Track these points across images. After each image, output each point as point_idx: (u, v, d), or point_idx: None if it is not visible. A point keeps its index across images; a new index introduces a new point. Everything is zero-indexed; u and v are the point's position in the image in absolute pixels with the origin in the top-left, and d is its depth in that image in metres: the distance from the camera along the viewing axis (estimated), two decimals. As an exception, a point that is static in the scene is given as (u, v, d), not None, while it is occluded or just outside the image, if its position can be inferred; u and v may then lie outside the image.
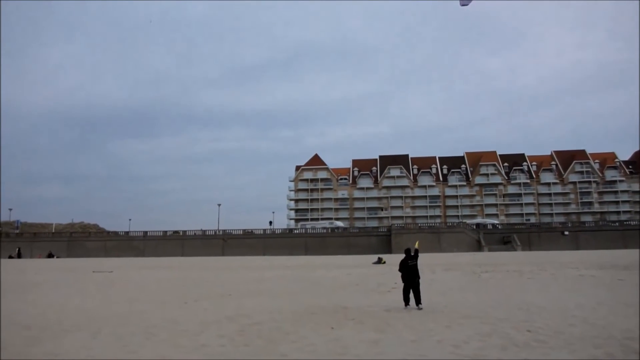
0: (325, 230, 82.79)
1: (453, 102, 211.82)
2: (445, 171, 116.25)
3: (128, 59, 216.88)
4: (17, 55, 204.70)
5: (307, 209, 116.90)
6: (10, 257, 70.03)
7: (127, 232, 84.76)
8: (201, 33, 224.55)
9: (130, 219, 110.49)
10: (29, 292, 19.13)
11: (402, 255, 13.28)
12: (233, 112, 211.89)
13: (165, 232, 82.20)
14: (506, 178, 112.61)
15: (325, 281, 22.45)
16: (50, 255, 71.73)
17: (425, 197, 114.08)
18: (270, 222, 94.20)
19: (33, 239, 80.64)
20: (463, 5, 12.49)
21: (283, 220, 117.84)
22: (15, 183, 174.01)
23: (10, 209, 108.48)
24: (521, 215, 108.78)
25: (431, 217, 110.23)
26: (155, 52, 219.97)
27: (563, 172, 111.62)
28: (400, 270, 12.88)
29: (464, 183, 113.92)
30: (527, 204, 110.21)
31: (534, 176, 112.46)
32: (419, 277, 12.65)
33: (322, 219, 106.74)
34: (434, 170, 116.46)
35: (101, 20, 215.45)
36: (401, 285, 13.12)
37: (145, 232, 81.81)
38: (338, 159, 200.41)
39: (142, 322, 11.15)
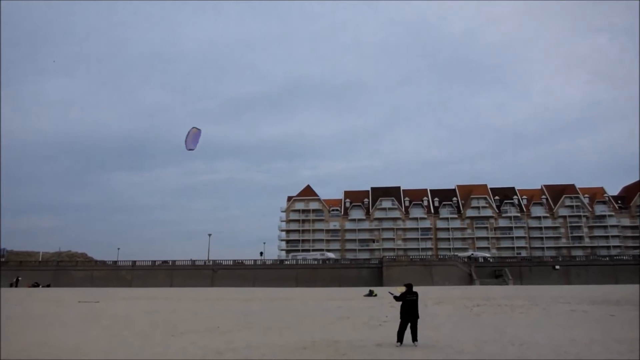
0: (316, 262, 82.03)
1: (444, 137, 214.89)
2: (436, 204, 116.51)
3: (123, 92, 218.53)
4: (13, 85, 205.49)
5: (298, 240, 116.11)
6: (10, 285, 68.80)
7: (115, 262, 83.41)
8: (195, 68, 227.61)
9: (119, 248, 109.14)
10: (10, 325, 18.63)
11: (399, 288, 13.11)
12: (226, 145, 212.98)
13: (154, 262, 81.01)
14: (497, 211, 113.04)
15: (316, 314, 22.12)
16: (35, 285, 70.26)
17: (417, 229, 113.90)
18: (261, 253, 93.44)
19: (19, 267, 79.08)
20: (189, 150, 14.25)
21: (274, 252, 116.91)
22: (3, 212, 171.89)
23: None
24: (512, 248, 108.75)
25: (423, 249, 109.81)
26: (151, 85, 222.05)
27: (553, 206, 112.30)
28: (400, 300, 12.50)
29: (456, 216, 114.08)
30: (518, 238, 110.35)
31: (525, 210, 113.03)
32: (418, 317, 12.35)
33: (314, 250, 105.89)
34: (425, 203, 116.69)
35: (98, 54, 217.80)
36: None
37: (134, 262, 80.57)
38: (330, 191, 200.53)
39: (128, 355, 10.87)
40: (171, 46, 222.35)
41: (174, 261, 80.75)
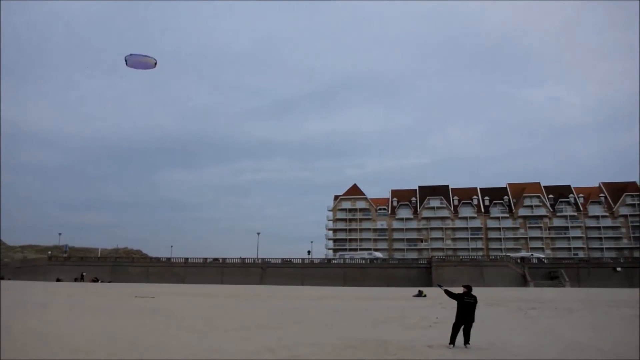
0: (364, 261, 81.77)
1: (494, 133, 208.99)
2: (487, 202, 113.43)
3: (175, 94, 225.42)
4: (68, 88, 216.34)
5: (345, 239, 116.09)
6: (75, 280, 72.72)
7: (168, 259, 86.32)
8: (244, 68, 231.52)
9: (172, 246, 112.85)
10: (79, 317, 19.63)
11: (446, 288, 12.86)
12: (274, 143, 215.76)
13: (206, 259, 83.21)
14: (551, 210, 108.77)
15: (365, 313, 22.07)
16: (94, 280, 73.74)
17: (466, 228, 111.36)
18: (309, 252, 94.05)
19: (79, 263, 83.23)
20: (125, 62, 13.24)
21: (321, 250, 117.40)
22: (65, 209, 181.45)
23: (60, 234, 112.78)
24: (568, 249, 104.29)
25: (473, 249, 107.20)
26: (201, 87, 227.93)
27: (613, 205, 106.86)
28: (454, 297, 12.25)
29: (507, 215, 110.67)
30: (574, 238, 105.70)
31: (582, 209, 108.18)
32: (473, 320, 12.03)
33: (361, 249, 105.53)
34: (475, 202, 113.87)
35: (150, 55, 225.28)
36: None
37: (186, 259, 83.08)
38: (377, 189, 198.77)
39: (183, 351, 11.23)
40: (219, 48, 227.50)
41: (224, 259, 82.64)
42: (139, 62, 13.48)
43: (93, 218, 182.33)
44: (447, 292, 12.61)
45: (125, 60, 13.25)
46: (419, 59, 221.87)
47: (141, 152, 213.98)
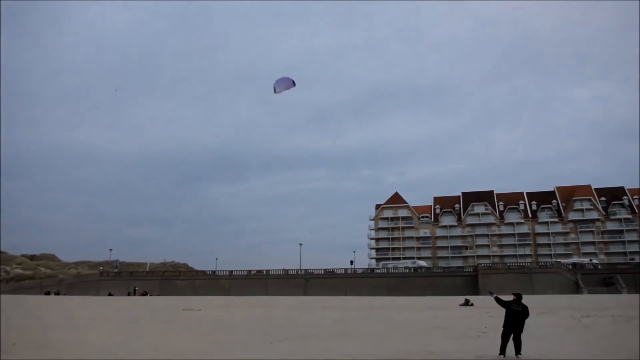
0: (407, 270, 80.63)
1: (539, 135, 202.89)
2: (534, 207, 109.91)
3: (216, 109, 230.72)
4: (119, 107, 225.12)
5: (388, 248, 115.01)
6: (128, 294, 75.04)
7: (213, 272, 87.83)
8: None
9: (217, 258, 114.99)
10: (128, 329, 20.25)
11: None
12: (314, 154, 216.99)
13: (250, 271, 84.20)
14: (604, 213, 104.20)
15: (410, 323, 21.75)
16: (144, 294, 75.86)
17: (513, 235, 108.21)
18: (352, 262, 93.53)
19: (129, 278, 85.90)
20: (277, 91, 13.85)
21: (364, 260, 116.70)
22: (115, 225, 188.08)
23: (111, 249, 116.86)
24: (624, 254, 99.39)
25: (521, 256, 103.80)
26: (240, 100, 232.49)
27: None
28: (504, 305, 11.91)
29: (556, 219, 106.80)
30: (630, 242, 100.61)
31: (637, 211, 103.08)
32: (522, 330, 11.63)
33: (404, 258, 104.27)
34: (521, 207, 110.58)
35: (193, 74, 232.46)
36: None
37: (231, 272, 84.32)
38: (419, 197, 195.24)
39: (230, 362, 11.39)
40: (257, 62, 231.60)
41: (267, 270, 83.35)
42: (284, 84, 14.84)
43: (141, 233, 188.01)
44: (498, 300, 12.31)
45: (274, 88, 14.57)
46: (458, 63, 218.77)
47: (184, 166, 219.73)
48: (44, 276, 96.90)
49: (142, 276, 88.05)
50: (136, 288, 77.00)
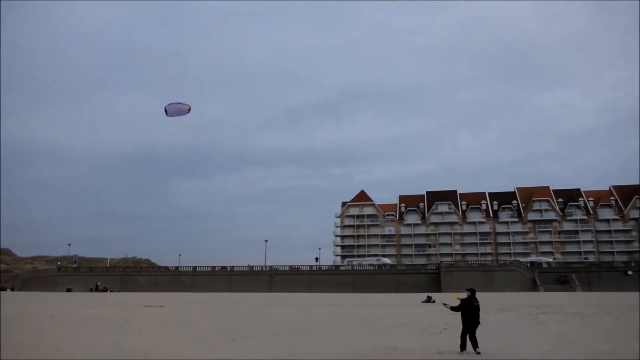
0: (372, 267, 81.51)
1: (503, 138, 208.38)
2: (495, 207, 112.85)
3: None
4: (81, 103, 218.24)
5: (353, 245, 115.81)
6: (90, 290, 72.81)
7: (177, 268, 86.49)
8: (253, 79, 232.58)
9: (180, 255, 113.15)
10: (86, 327, 19.70)
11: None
12: (283, 152, 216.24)
13: (214, 267, 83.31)
14: (561, 214, 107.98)
15: (373, 320, 21.97)
16: (104, 290, 73.97)
17: (475, 233, 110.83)
18: (317, 259, 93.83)
19: (89, 274, 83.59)
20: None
21: (330, 257, 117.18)
22: (75, 221, 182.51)
23: (70, 244, 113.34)
24: (579, 253, 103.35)
25: (482, 254, 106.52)
26: (212, 99, 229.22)
27: (624, 208, 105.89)
28: (460, 309, 12.16)
29: (516, 219, 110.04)
30: (585, 242, 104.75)
31: (592, 212, 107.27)
32: (479, 323, 11.96)
33: (369, 255, 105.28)
34: (483, 207, 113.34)
35: (164, 72, 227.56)
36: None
37: (195, 268, 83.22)
38: (385, 196, 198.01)
39: (193, 360, 11.23)
40: (229, 60, 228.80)
41: (232, 267, 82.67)
42: (175, 109, 14.26)
43: (102, 229, 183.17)
44: (454, 308, 12.45)
45: (165, 111, 14.07)
46: (427, 66, 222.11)
47: (149, 162, 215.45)
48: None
49: (103, 272, 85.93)
50: (98, 284, 75.02)
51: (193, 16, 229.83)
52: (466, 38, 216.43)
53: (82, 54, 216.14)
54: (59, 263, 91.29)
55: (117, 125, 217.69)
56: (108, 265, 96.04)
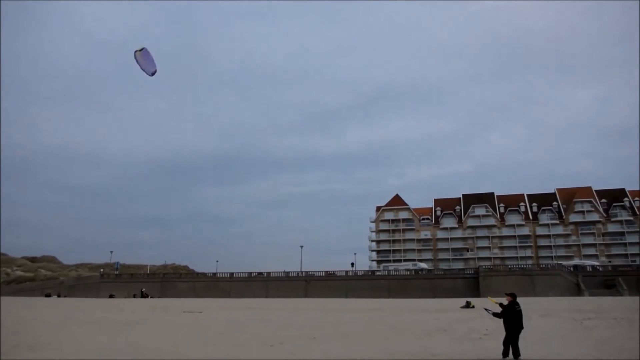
0: (408, 272, 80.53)
1: (540, 137, 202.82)
2: (535, 209, 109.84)
3: (213, 110, 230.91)
4: (111, 109, 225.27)
5: (389, 250, 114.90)
6: (134, 295, 74.52)
7: (214, 274, 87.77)
8: (281, 82, 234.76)
9: (217, 261, 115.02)
10: (129, 331, 20.21)
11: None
12: (313, 156, 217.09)
13: (250, 273, 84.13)
14: (605, 215, 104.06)
15: (411, 325, 21.69)
16: (145, 296, 75.71)
17: (514, 236, 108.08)
18: (352, 264, 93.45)
19: (130, 280, 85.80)
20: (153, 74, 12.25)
21: (365, 262, 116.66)
22: (116, 227, 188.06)
23: (112, 252, 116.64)
24: (625, 256, 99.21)
25: (522, 258, 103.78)
26: (236, 103, 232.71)
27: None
28: (502, 316, 11.80)
29: (557, 221, 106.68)
30: (631, 244, 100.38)
31: (638, 213, 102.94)
32: (522, 327, 11.60)
33: (405, 260, 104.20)
34: (522, 209, 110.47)
35: (187, 75, 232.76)
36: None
37: (232, 274, 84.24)
38: (419, 199, 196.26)
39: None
40: (255, 64, 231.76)
41: (268, 273, 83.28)
42: (147, 60, 12.59)
43: (141, 235, 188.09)
44: (496, 315, 12.11)
45: (145, 69, 12.53)
46: (457, 65, 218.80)
47: (185, 169, 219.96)
48: (44, 278, 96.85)
49: (143, 278, 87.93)
50: (143, 290, 76.53)
51: (212, 18, 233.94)
52: (496, 33, 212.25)
53: (112, 62, 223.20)
54: (101, 270, 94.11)
55: (148, 131, 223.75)
56: (148, 272, 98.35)
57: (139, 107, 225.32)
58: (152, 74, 12.66)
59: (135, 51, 12.34)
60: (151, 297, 74.61)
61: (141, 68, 12.52)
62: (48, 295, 74.20)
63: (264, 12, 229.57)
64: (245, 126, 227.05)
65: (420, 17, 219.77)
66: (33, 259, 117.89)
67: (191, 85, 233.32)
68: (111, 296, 74.13)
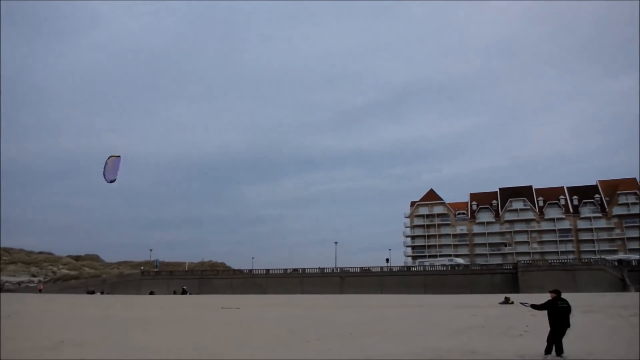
0: (444, 268, 79.56)
1: (579, 129, 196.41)
2: (575, 202, 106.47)
3: (244, 111, 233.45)
4: (146, 113, 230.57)
5: (424, 246, 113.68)
6: (174, 292, 76.31)
7: (250, 271, 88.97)
8: (310, 82, 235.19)
9: (253, 258, 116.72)
10: (171, 327, 20.74)
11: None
12: (346, 154, 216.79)
13: (286, 269, 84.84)
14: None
15: (448, 322, 21.44)
16: (184, 292, 77.39)
17: (554, 231, 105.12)
18: (387, 260, 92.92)
19: (169, 277, 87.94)
20: (111, 182, 12.59)
21: (400, 258, 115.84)
22: (155, 227, 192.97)
23: (151, 250, 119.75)
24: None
25: (562, 252, 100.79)
26: (269, 102, 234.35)
27: None
28: (543, 308, 11.55)
29: (600, 215, 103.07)
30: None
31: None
32: (569, 325, 11.24)
33: (441, 255, 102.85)
34: (562, 202, 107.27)
35: (222, 79, 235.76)
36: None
37: (267, 270, 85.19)
38: (453, 194, 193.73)
39: (269, 360, 11.52)
40: (285, 65, 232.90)
41: (303, 269, 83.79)
42: (113, 168, 13.25)
43: (177, 234, 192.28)
44: (535, 307, 11.90)
45: (105, 176, 13.24)
46: (494, 57, 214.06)
47: (219, 170, 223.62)
48: (88, 276, 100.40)
49: (182, 275, 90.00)
50: (184, 287, 78.12)
51: (245, 20, 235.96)
52: (525, 26, 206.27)
53: (138, 62, 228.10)
54: (142, 267, 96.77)
55: (182, 133, 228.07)
56: (187, 269, 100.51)
57: (172, 110, 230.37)
58: (111, 182, 13.29)
59: (111, 156, 13.06)
60: (190, 293, 76.21)
61: (103, 171, 13.21)
62: (91, 293, 76.81)
63: (295, 13, 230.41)
64: (277, 126, 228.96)
65: (452, 13, 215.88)
66: (77, 258, 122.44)
67: (224, 87, 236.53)
68: (151, 293, 76.06)
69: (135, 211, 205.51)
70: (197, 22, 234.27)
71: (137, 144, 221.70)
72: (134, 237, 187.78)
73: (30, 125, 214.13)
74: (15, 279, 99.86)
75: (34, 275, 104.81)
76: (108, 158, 13.10)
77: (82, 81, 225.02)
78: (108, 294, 78.46)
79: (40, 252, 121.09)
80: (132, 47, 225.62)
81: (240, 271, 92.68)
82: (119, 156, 13.04)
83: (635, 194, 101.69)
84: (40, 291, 78.64)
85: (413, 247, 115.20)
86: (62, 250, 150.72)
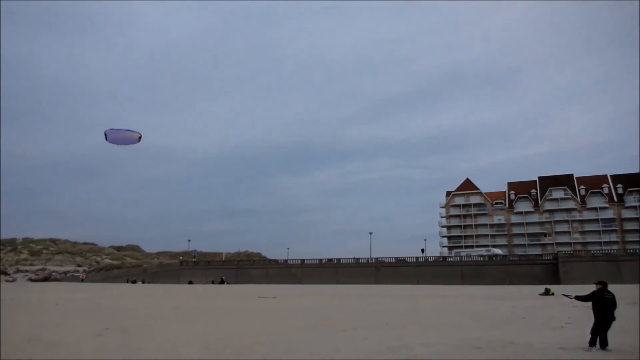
0: (481, 258, 78.24)
1: (623, 115, 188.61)
2: (620, 191, 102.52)
3: (281, 103, 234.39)
4: (186, 109, 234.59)
5: (460, 236, 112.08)
6: (212, 282, 78.17)
7: (286, 261, 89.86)
8: (346, 72, 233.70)
9: (288, 248, 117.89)
10: (211, 316, 21.24)
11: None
12: (379, 144, 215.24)
13: (321, 260, 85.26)
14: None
15: (487, 313, 21.12)
16: (222, 282, 78.99)
17: (596, 220, 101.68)
18: (423, 250, 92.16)
19: (207, 267, 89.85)
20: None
21: (435, 249, 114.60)
22: (192, 218, 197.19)
23: (189, 240, 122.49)
24: None
25: (606, 243, 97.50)
26: (305, 93, 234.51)
27: None
28: (588, 300, 11.28)
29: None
30: None
31: None
32: (614, 318, 10.91)
33: (477, 246, 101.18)
34: (605, 190, 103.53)
35: (254, 73, 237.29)
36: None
37: (303, 260, 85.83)
38: (491, 183, 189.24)
39: (306, 350, 11.64)
40: (318, 55, 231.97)
41: (338, 259, 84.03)
42: (121, 137, 12.11)
43: (215, 225, 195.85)
44: (579, 298, 11.60)
45: (105, 135, 11.92)
46: (530, 45, 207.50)
47: (255, 161, 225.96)
48: (129, 266, 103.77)
49: (219, 265, 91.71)
50: (223, 277, 79.68)
51: (274, 14, 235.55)
52: (570, 9, 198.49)
53: (173, 58, 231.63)
54: (181, 257, 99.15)
55: (215, 126, 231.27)
56: (224, 259, 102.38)
57: (210, 104, 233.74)
58: (110, 142, 12.07)
59: (135, 132, 12.07)
60: (227, 283, 77.70)
61: (113, 134, 11.99)
62: (133, 282, 79.36)
63: (326, 4, 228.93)
64: (313, 117, 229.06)
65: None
66: (119, 248, 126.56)
67: (256, 81, 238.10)
68: (190, 282, 77.94)
69: (174, 203, 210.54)
70: (229, 18, 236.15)
71: (174, 138, 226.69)
72: (173, 228, 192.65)
73: (84, 121, 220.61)
74: (61, 269, 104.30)
75: (79, 265, 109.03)
76: (132, 132, 12.07)
77: (123, 79, 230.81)
78: (149, 283, 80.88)
79: (85, 243, 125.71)
80: (165, 44, 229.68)
81: (276, 261, 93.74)
82: (140, 137, 12.04)
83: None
84: (82, 280, 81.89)
85: (449, 238, 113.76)
86: (105, 241, 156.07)
